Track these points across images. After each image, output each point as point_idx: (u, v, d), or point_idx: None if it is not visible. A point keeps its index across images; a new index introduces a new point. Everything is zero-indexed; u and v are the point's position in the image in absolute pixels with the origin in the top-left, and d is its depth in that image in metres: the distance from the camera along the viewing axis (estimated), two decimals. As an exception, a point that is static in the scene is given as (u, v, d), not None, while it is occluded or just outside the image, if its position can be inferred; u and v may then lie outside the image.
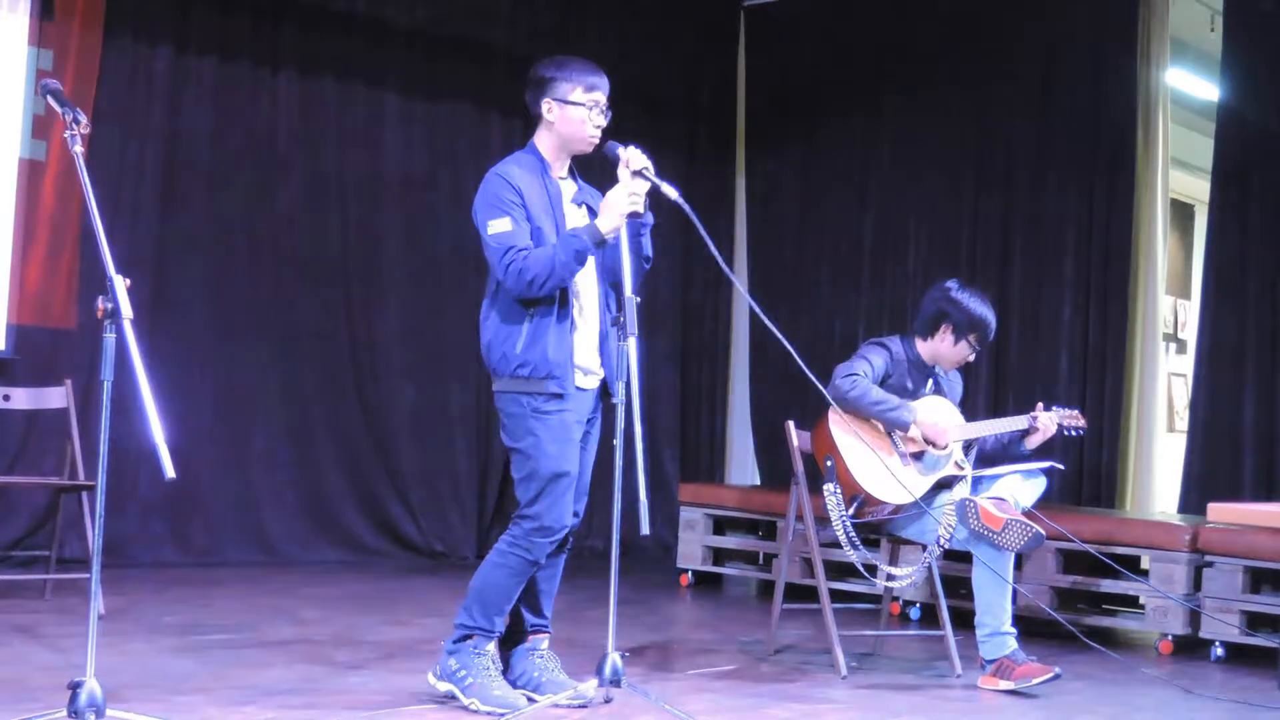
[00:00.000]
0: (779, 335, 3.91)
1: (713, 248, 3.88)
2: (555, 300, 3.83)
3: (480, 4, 7.75)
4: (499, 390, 3.90)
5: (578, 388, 3.88)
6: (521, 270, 3.74)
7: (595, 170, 4.15)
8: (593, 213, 3.96)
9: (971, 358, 4.86)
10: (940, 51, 7.69)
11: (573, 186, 4.02)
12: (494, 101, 7.67)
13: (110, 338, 3.20)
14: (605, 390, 3.97)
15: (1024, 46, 7.40)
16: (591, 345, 3.93)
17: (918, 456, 4.66)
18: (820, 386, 4.36)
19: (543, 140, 3.96)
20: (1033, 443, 4.80)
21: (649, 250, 3.98)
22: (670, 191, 3.80)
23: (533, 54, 7.60)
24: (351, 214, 7.34)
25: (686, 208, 3.76)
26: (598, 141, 3.95)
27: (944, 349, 4.80)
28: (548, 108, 3.91)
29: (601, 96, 3.92)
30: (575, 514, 3.99)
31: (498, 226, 3.80)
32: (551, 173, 3.95)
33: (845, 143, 8.14)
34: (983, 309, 4.78)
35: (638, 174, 3.83)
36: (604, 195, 3.89)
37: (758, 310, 4.03)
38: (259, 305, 7.02)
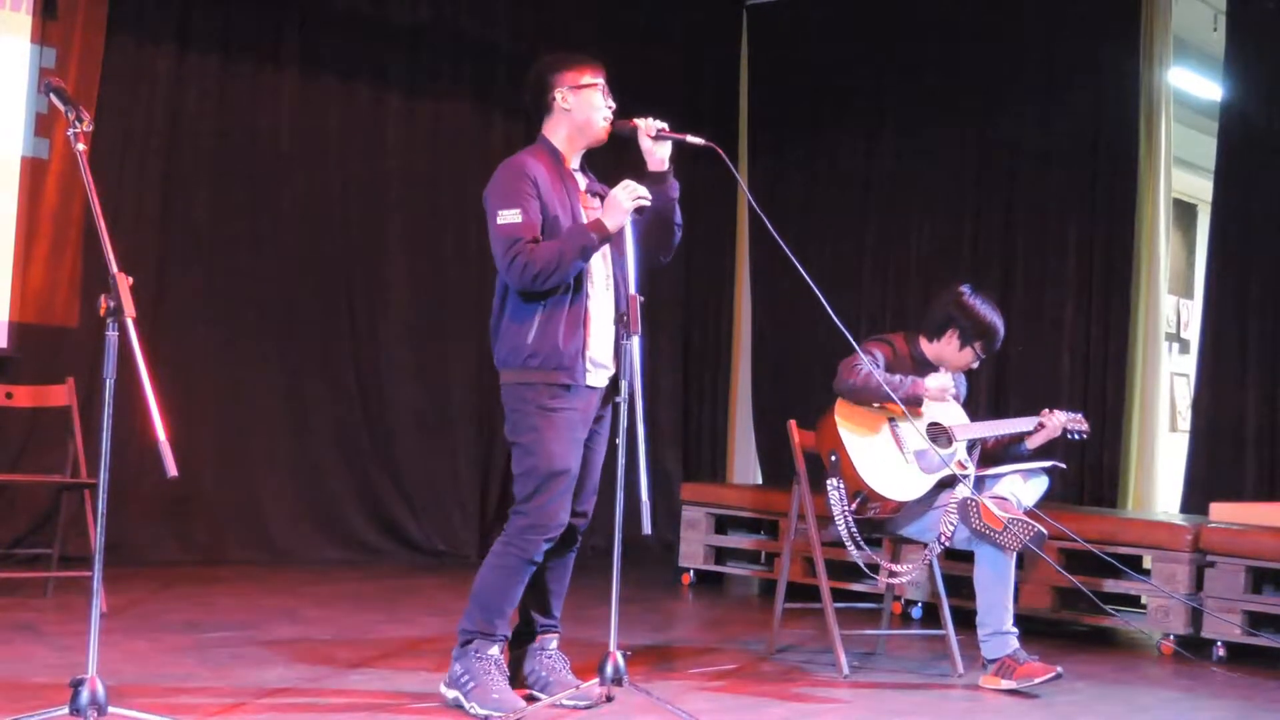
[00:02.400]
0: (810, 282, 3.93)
1: (745, 190, 3.95)
2: (569, 290, 3.81)
3: (482, 3, 7.76)
4: (506, 383, 3.87)
5: (587, 385, 3.85)
6: (526, 264, 3.71)
7: (612, 165, 4.15)
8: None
9: (975, 365, 4.86)
10: (942, 51, 7.69)
11: (584, 180, 4.01)
12: (496, 101, 7.67)
13: (113, 335, 3.20)
14: (613, 387, 3.96)
15: (1026, 45, 7.39)
16: (606, 339, 3.90)
17: (919, 455, 4.66)
18: (853, 342, 4.40)
19: (556, 132, 3.95)
20: (1034, 442, 4.81)
21: (679, 218, 4.00)
22: (696, 140, 3.91)
23: (534, 53, 7.65)
24: (353, 213, 7.34)
25: (720, 151, 3.86)
26: (609, 130, 3.96)
27: (949, 353, 4.81)
28: (561, 97, 3.91)
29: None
30: (584, 514, 3.99)
31: (507, 217, 3.76)
32: (565, 164, 3.95)
33: (847, 142, 8.13)
34: (992, 317, 4.78)
35: (658, 138, 3.90)
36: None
37: (793, 257, 4.03)
38: (261, 303, 7.03)
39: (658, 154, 3.92)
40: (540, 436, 3.80)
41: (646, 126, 3.90)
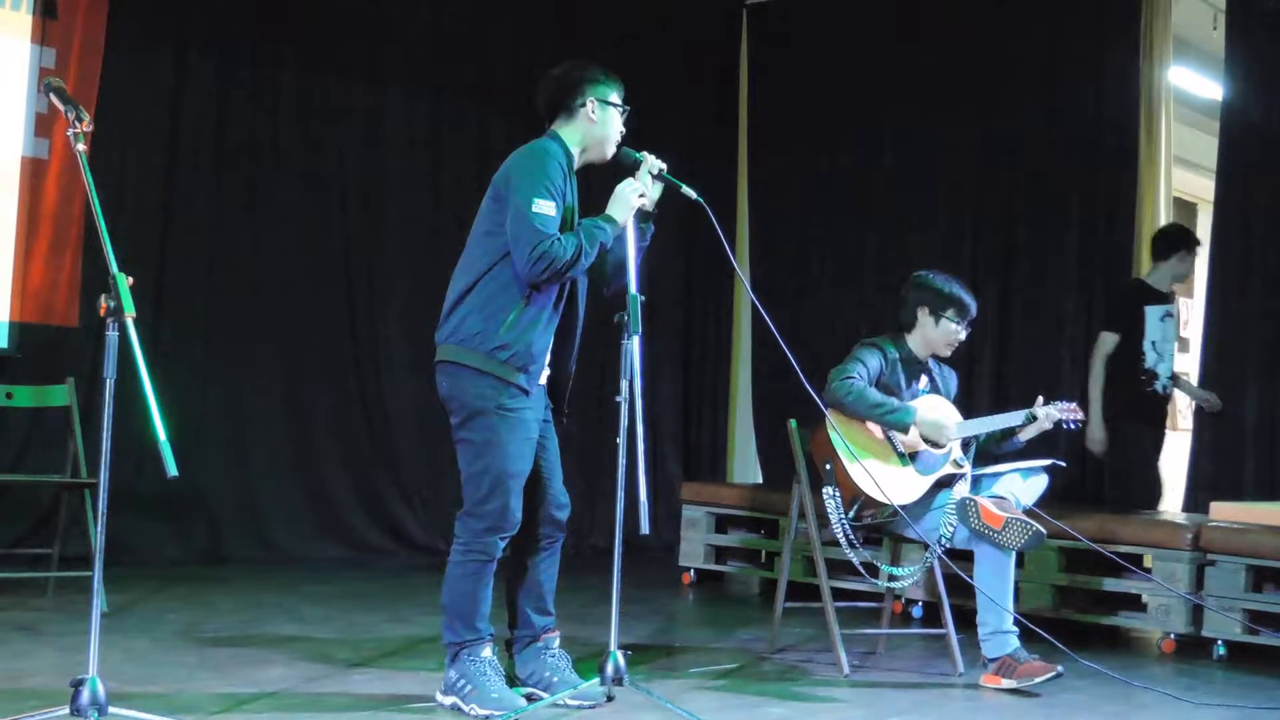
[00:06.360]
0: (780, 340, 3.95)
1: (729, 252, 3.96)
2: (553, 293, 3.82)
3: (481, 3, 7.75)
4: (461, 365, 3.79)
5: (539, 384, 3.88)
6: (553, 260, 3.70)
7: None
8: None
9: (961, 335, 4.82)
10: (943, 51, 7.68)
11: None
12: (496, 101, 7.67)
13: (113, 335, 3.20)
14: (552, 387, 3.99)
15: (1027, 45, 7.39)
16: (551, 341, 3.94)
17: (914, 457, 4.65)
18: (815, 395, 4.37)
19: (571, 136, 3.95)
20: (1026, 433, 4.79)
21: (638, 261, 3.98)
22: (690, 192, 3.93)
23: (535, 54, 7.68)
24: (353, 213, 7.35)
25: (708, 209, 3.88)
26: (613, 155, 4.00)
27: (929, 333, 4.82)
28: (593, 106, 3.92)
29: None
30: (565, 504, 4.02)
31: (545, 208, 3.74)
32: (573, 167, 3.96)
33: (847, 142, 8.13)
34: (951, 285, 4.82)
35: (658, 177, 3.94)
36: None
37: (764, 312, 4.08)
38: (261, 303, 7.03)
39: (651, 194, 3.95)
40: (497, 437, 3.77)
41: (651, 164, 3.94)
